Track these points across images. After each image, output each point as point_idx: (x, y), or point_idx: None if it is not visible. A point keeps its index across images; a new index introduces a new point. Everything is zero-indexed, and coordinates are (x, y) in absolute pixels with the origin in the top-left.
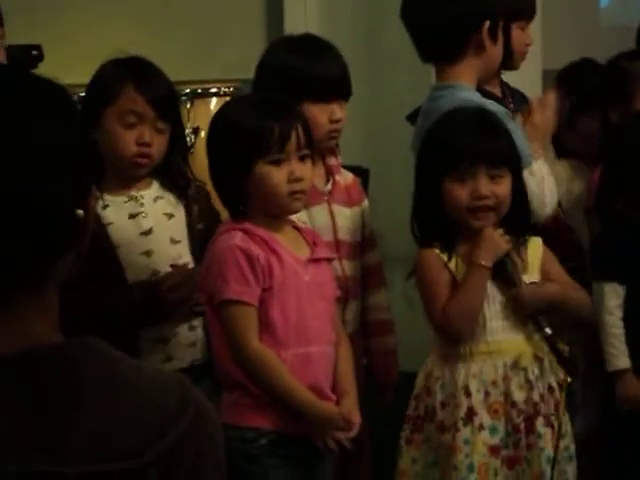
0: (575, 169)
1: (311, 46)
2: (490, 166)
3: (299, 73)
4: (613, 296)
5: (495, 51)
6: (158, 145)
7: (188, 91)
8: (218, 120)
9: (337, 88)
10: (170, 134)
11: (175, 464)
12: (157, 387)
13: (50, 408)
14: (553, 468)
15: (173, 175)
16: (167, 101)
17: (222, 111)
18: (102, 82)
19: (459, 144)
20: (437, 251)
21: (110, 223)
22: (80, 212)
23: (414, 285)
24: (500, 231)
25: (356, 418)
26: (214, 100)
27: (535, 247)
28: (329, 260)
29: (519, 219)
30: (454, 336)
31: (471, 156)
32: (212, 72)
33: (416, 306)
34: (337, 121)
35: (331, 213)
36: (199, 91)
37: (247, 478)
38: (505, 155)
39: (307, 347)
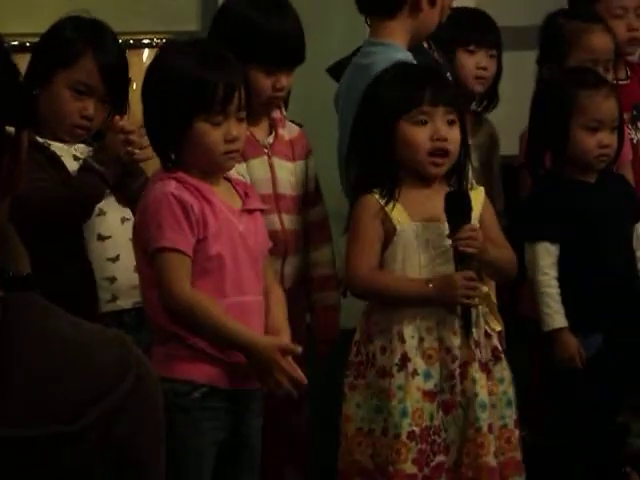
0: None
1: (274, 9)
2: (447, 109)
3: (255, 29)
4: (546, 255)
5: (431, 14)
6: (99, 117)
7: (120, 42)
8: (155, 67)
9: (290, 55)
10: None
11: (115, 427)
12: (97, 346)
13: None
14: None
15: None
16: (119, 73)
17: (160, 57)
18: (60, 43)
19: (420, 85)
20: (377, 196)
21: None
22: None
23: (345, 243)
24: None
25: (297, 350)
26: (146, 51)
27: (478, 196)
28: (261, 211)
29: (464, 167)
30: (353, 293)
31: (432, 97)
32: (145, 24)
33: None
34: (281, 89)
35: (271, 166)
36: (131, 42)
37: (176, 428)
38: (457, 100)
39: (242, 296)
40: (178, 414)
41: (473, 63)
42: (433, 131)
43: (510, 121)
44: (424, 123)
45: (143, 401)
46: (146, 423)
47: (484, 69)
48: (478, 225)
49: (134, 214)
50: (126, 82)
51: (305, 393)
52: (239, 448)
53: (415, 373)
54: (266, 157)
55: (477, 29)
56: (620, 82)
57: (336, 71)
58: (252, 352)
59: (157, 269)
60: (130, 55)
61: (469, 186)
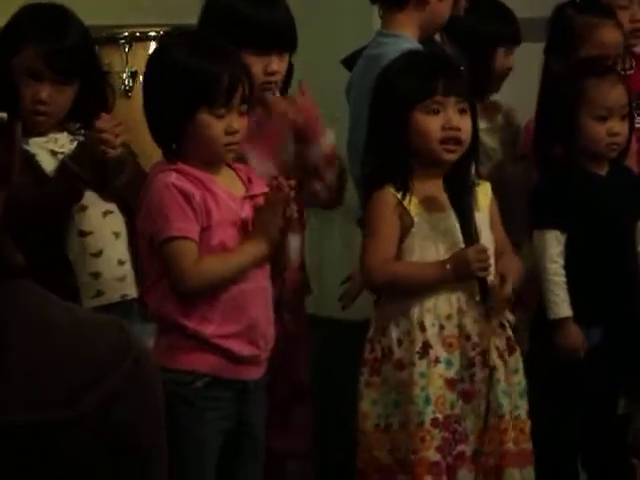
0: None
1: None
2: (459, 99)
3: (245, 17)
4: (554, 243)
5: (440, 6)
6: (58, 101)
7: (126, 34)
8: (159, 59)
9: (280, 38)
10: (82, 84)
11: (113, 412)
12: (93, 331)
13: None
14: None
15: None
16: (70, 57)
17: (163, 50)
18: (12, 30)
19: (433, 75)
20: (392, 191)
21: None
22: None
23: (353, 233)
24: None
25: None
26: (153, 44)
27: (485, 191)
28: (265, 195)
29: (472, 159)
30: (368, 287)
31: (444, 88)
32: (151, 16)
33: (356, 255)
34: (272, 73)
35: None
36: (137, 34)
37: (180, 420)
38: (468, 90)
39: (244, 284)
40: (181, 404)
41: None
42: (445, 120)
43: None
44: (436, 112)
45: (141, 386)
46: (145, 409)
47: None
48: (489, 218)
49: (122, 208)
50: (92, 69)
51: (309, 386)
52: (243, 438)
53: (437, 361)
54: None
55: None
56: (624, 72)
57: (350, 62)
58: (256, 241)
59: (167, 258)
60: (136, 48)
61: (475, 181)
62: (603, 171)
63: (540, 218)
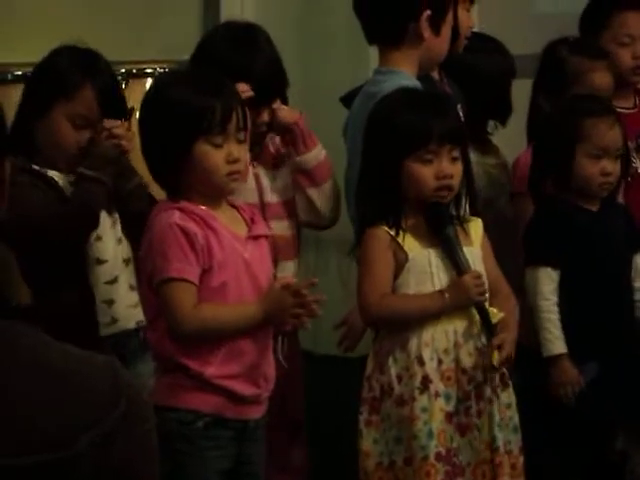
0: None
1: (248, 42)
2: (452, 146)
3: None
4: (547, 281)
5: (437, 42)
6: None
7: (123, 71)
8: (153, 97)
9: (270, 95)
10: None
11: (109, 452)
12: (87, 373)
13: None
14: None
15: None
16: (116, 103)
17: (157, 88)
18: (57, 74)
19: (428, 125)
20: (386, 228)
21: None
22: None
23: (349, 268)
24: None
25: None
26: (150, 81)
27: (477, 227)
28: (266, 237)
29: (466, 197)
30: (367, 323)
31: (438, 136)
32: (148, 52)
33: (352, 290)
34: (261, 125)
35: (256, 176)
36: (134, 71)
37: (182, 459)
38: (462, 135)
39: None
40: (182, 443)
41: None
42: (438, 169)
43: (503, 149)
44: (430, 161)
45: (136, 426)
46: (140, 447)
47: None
48: (481, 253)
49: (127, 220)
50: (124, 111)
51: (302, 423)
52: (243, 477)
53: (437, 395)
54: (251, 167)
55: None
56: (627, 110)
57: (348, 100)
58: (264, 307)
59: (164, 300)
60: (133, 84)
61: (466, 217)
62: (595, 207)
63: (532, 255)
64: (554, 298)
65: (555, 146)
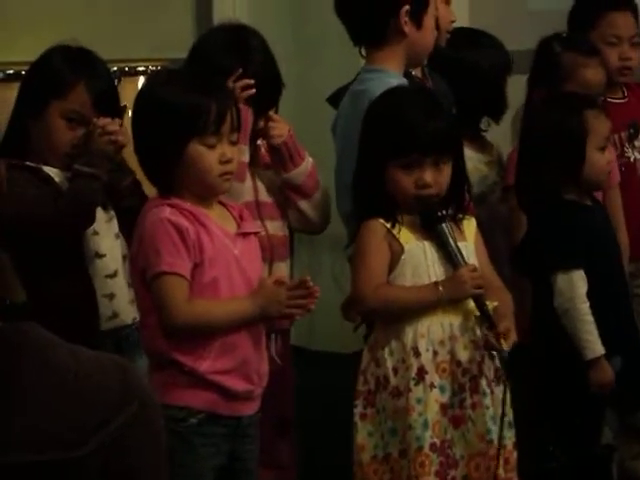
0: None
1: (243, 46)
2: (438, 155)
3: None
4: (582, 283)
5: (419, 36)
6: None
7: (115, 69)
8: (147, 96)
9: (265, 98)
10: None
11: (118, 452)
12: (97, 374)
13: None
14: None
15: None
16: (110, 101)
17: (150, 87)
18: (51, 73)
19: (413, 134)
20: (382, 221)
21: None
22: None
23: (343, 267)
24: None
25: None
26: (142, 79)
27: (470, 225)
28: (256, 234)
29: (458, 196)
30: (362, 314)
31: (423, 147)
32: (140, 51)
33: (345, 288)
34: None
35: (252, 175)
36: (126, 69)
37: (174, 456)
38: (451, 141)
39: None
40: (175, 440)
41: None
42: (418, 178)
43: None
44: (411, 168)
45: (145, 428)
46: (150, 447)
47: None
48: (474, 249)
49: (121, 216)
50: (117, 109)
51: (291, 420)
52: (237, 473)
53: (432, 386)
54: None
55: None
56: (617, 100)
57: (335, 99)
58: (258, 302)
59: (156, 294)
60: (125, 82)
61: (460, 215)
62: (588, 201)
63: (562, 259)
64: (588, 300)
65: (565, 144)
